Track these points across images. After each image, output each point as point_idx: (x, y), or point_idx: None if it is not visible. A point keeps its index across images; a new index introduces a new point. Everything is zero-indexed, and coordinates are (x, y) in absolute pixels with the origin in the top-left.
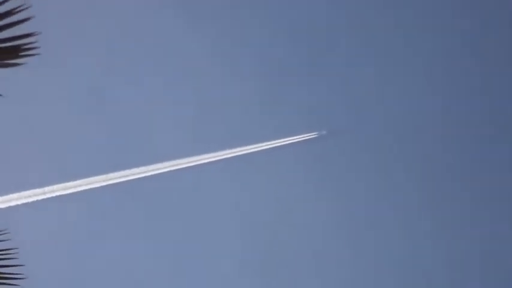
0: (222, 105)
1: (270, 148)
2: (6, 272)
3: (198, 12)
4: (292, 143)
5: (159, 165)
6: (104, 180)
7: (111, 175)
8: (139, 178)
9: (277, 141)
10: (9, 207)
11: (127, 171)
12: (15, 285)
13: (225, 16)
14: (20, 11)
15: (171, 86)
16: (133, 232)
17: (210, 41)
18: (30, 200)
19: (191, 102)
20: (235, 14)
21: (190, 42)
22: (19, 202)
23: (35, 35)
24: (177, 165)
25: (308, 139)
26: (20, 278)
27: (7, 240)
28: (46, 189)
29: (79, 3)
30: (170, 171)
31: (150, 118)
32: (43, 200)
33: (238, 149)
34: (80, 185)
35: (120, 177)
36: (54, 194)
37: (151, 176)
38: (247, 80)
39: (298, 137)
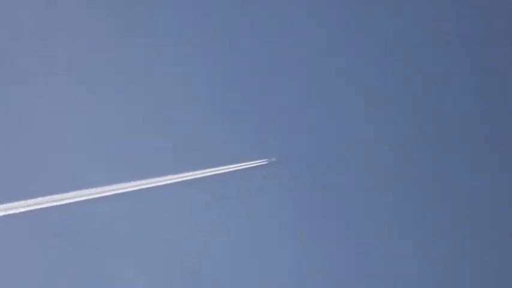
0: (167, 125)
1: (216, 174)
2: None
3: None
4: (239, 169)
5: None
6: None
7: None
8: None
9: (224, 167)
10: None
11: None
12: None
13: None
14: None
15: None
16: None
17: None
18: None
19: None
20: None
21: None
22: None
23: None
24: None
25: (257, 166)
26: None
27: None
28: None
29: None
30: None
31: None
32: None
33: (184, 174)
34: None
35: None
36: None
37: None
38: (198, 97)
39: (247, 163)
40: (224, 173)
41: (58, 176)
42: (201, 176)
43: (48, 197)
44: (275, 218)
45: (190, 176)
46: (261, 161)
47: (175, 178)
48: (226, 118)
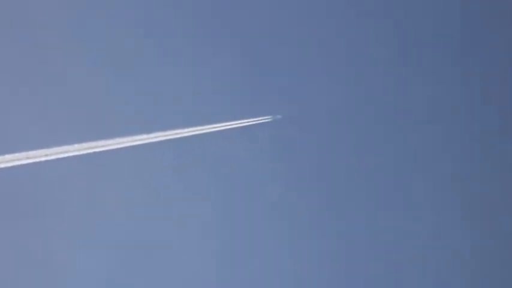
0: (170, 83)
1: (218, 130)
2: None
3: None
4: (242, 126)
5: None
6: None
7: None
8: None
9: (227, 123)
10: None
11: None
12: None
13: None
14: None
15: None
16: None
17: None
18: None
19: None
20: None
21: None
22: None
23: None
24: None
25: (261, 123)
26: None
27: None
28: None
29: None
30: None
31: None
32: None
33: (186, 129)
34: None
35: None
36: None
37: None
38: (204, 57)
39: (250, 120)
40: (227, 129)
41: None
42: (199, 132)
43: None
44: (277, 176)
45: (190, 132)
46: (266, 117)
47: (172, 134)
48: (231, 75)
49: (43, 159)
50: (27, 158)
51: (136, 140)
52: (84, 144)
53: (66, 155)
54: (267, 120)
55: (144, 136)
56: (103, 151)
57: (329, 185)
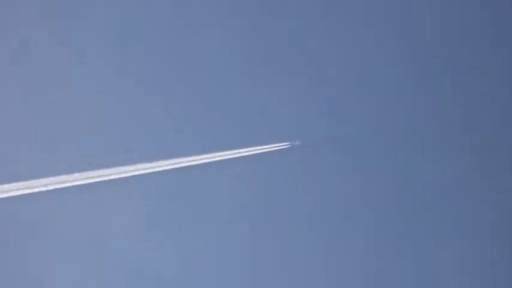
0: (185, 109)
1: (236, 157)
2: None
3: None
4: (261, 153)
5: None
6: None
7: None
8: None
9: (245, 149)
10: None
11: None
12: None
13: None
14: None
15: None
16: None
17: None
18: None
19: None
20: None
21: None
22: None
23: None
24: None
25: (279, 149)
26: None
27: None
28: None
29: None
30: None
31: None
32: None
33: (200, 156)
34: None
35: None
36: None
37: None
38: (216, 77)
39: (268, 146)
40: (243, 156)
41: None
42: (216, 159)
43: None
44: (295, 204)
45: (207, 159)
46: (284, 144)
47: (192, 161)
48: (247, 98)
49: (42, 189)
50: (25, 188)
51: (151, 167)
52: (84, 174)
53: (76, 183)
54: (285, 147)
55: (160, 163)
56: (111, 180)
57: (348, 216)
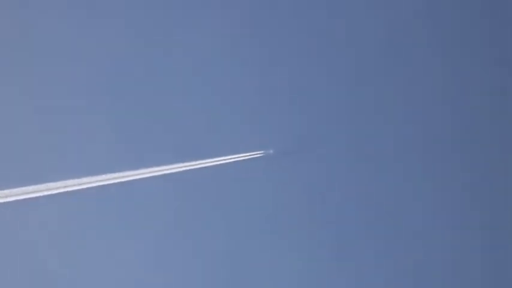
0: (163, 116)
1: (210, 166)
2: None
3: None
4: (234, 161)
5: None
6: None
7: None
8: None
9: (220, 158)
10: None
11: None
12: None
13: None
14: None
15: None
16: None
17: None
18: None
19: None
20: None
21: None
22: None
23: None
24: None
25: (252, 158)
26: None
27: None
28: None
29: None
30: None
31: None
32: None
33: (176, 165)
34: None
35: None
36: None
37: None
38: (192, 87)
39: (243, 155)
40: (218, 164)
41: None
42: (193, 167)
43: None
44: (269, 210)
45: (182, 167)
46: (258, 152)
47: (164, 170)
48: (223, 109)
49: (39, 194)
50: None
51: (125, 176)
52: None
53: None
54: (259, 155)
55: (135, 172)
56: (96, 186)
57: (323, 221)
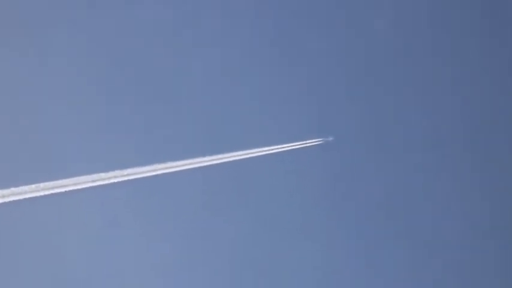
0: (220, 107)
1: (268, 154)
2: None
3: None
4: (294, 149)
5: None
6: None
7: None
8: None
9: (276, 146)
10: None
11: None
12: None
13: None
14: None
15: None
16: None
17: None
18: None
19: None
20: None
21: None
22: None
23: None
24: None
25: (312, 145)
26: None
27: None
28: None
29: None
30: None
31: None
32: None
33: (232, 153)
34: None
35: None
36: None
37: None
38: (247, 76)
39: (300, 143)
40: (277, 152)
41: None
42: (248, 156)
43: None
44: (329, 198)
45: (240, 156)
46: (317, 140)
47: (231, 156)
48: (282, 96)
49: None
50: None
51: (183, 165)
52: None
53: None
54: (318, 143)
55: (196, 160)
56: (159, 174)
57: (383, 210)
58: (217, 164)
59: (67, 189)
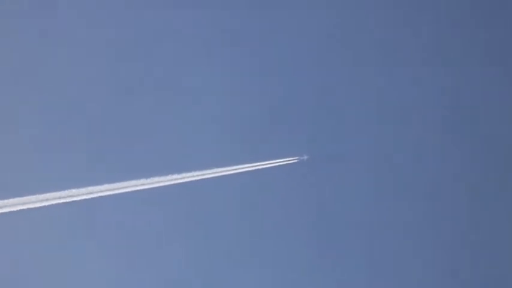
0: (194, 124)
1: (246, 171)
2: None
3: None
4: (268, 167)
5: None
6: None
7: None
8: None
9: (254, 164)
10: None
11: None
12: None
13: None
14: None
15: None
16: None
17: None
18: None
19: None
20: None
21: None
22: None
23: None
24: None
25: (287, 164)
26: None
27: None
28: None
29: None
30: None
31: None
32: None
33: (212, 170)
34: None
35: None
36: None
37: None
38: (224, 94)
39: (277, 161)
40: (251, 170)
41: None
42: (223, 174)
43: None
44: (302, 216)
45: (218, 173)
46: (292, 158)
47: (197, 175)
48: (257, 116)
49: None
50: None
51: (162, 181)
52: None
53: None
54: (293, 161)
55: (170, 177)
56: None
57: (360, 225)
58: (180, 184)
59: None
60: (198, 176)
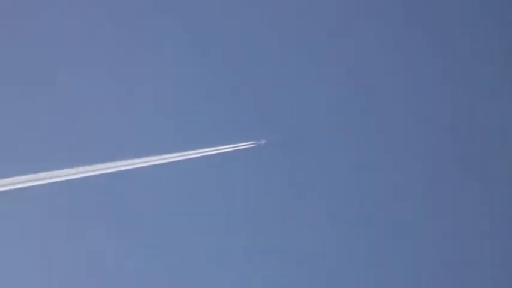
0: (155, 109)
1: (199, 157)
2: None
3: None
4: (225, 152)
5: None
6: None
7: None
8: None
9: (204, 149)
10: None
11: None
12: None
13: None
14: None
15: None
16: None
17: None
18: None
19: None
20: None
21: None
22: None
23: None
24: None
25: (243, 149)
26: None
27: None
28: None
29: None
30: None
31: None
32: None
33: (163, 156)
34: None
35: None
36: None
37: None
38: (175, 75)
39: (234, 145)
40: (209, 155)
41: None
42: (183, 158)
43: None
44: (259, 201)
45: (173, 158)
46: (249, 143)
47: (156, 160)
48: (215, 100)
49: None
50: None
51: (116, 166)
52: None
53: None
54: (250, 146)
55: (127, 162)
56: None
57: (313, 213)
58: (134, 169)
59: None
60: (148, 162)
